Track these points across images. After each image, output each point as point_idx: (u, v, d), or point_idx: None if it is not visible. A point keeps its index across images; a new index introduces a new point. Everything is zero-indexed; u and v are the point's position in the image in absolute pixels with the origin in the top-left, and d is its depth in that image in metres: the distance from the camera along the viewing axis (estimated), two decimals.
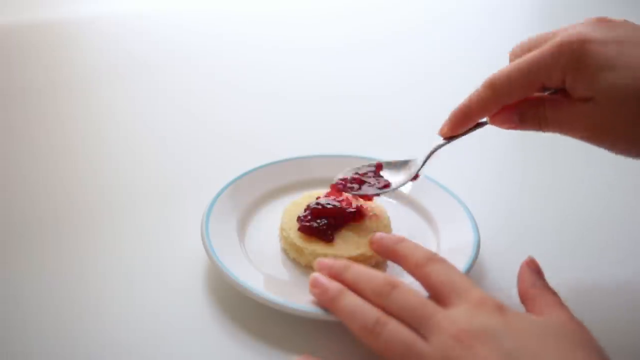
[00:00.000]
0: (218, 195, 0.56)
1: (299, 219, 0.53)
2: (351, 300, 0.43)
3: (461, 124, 0.50)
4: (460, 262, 0.50)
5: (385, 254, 0.49)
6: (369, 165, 0.56)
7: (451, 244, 0.53)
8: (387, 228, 0.54)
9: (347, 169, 0.55)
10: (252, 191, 0.59)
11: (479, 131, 0.53)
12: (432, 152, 0.53)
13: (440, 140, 0.52)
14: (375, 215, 0.55)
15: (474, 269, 0.50)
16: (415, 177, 0.53)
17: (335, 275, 0.45)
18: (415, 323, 0.40)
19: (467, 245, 0.52)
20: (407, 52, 1.01)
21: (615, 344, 0.41)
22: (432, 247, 0.54)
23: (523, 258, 0.50)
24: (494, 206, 0.63)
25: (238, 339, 0.46)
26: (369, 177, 0.54)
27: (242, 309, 0.48)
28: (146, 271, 0.53)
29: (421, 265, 0.44)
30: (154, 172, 0.67)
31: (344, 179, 0.54)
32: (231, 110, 0.81)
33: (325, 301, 0.44)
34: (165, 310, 0.49)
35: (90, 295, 0.50)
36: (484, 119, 0.50)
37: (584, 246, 0.58)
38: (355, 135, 0.75)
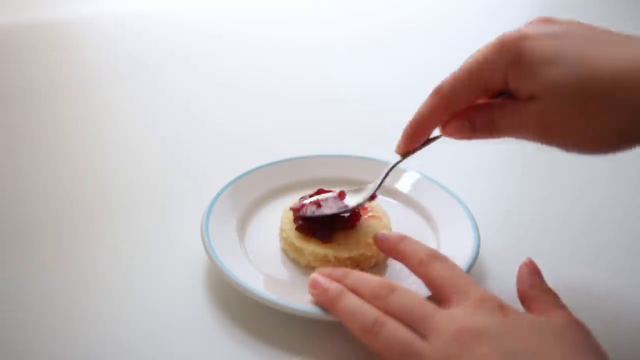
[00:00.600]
0: (218, 195, 0.56)
1: (295, 217, 0.53)
2: (350, 300, 0.43)
3: (414, 137, 0.49)
4: (461, 262, 0.49)
5: (388, 252, 0.49)
6: (332, 193, 0.55)
7: (451, 244, 0.53)
8: (386, 228, 0.54)
9: (308, 199, 0.55)
10: (252, 191, 0.59)
11: None
12: (388, 172, 0.53)
13: (397, 158, 0.51)
14: (375, 215, 0.55)
15: (474, 269, 0.50)
16: (372, 197, 0.53)
17: (335, 281, 0.45)
18: (414, 323, 0.40)
19: (467, 245, 0.52)
20: (407, 52, 1.01)
21: (615, 343, 0.41)
22: (432, 247, 0.54)
23: (523, 258, 0.50)
24: (493, 206, 0.63)
25: (238, 339, 0.46)
26: (327, 202, 0.54)
27: (242, 309, 0.48)
28: (146, 271, 0.53)
29: (423, 263, 0.45)
30: (154, 172, 0.67)
31: (302, 205, 0.54)
32: (231, 110, 0.81)
33: (324, 302, 0.44)
34: (165, 310, 0.49)
35: (90, 295, 0.50)
36: (437, 133, 0.50)
37: (584, 246, 0.58)
38: (355, 135, 0.75)
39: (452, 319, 0.39)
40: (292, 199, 0.57)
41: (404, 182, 0.61)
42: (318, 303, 0.45)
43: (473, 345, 0.37)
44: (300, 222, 0.53)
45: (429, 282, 0.44)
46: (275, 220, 0.55)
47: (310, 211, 0.53)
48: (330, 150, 0.65)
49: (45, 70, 0.89)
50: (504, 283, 0.51)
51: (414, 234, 0.55)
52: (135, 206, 0.61)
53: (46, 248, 0.55)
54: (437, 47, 1.04)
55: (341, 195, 0.55)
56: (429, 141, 0.50)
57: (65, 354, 0.45)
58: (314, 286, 0.45)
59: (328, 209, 0.53)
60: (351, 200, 0.54)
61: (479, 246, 0.52)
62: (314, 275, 0.46)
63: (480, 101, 0.47)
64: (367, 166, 0.63)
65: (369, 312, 0.41)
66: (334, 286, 0.44)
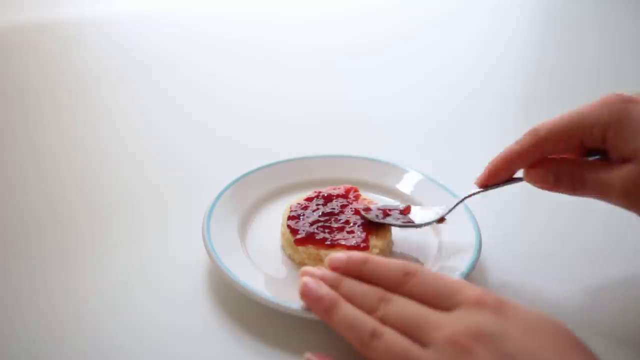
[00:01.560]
0: (219, 195, 0.56)
1: (293, 230, 0.53)
2: (346, 311, 0.41)
3: (499, 172, 0.49)
4: (462, 264, 0.50)
5: (355, 278, 0.45)
6: (398, 207, 0.55)
7: (452, 246, 0.53)
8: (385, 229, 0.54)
9: (376, 205, 0.55)
10: (253, 192, 0.59)
11: (480, 131, 0.53)
12: (463, 200, 0.53)
13: (475, 189, 0.52)
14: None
15: (475, 270, 0.50)
16: (442, 219, 0.53)
17: (330, 286, 0.43)
18: (412, 332, 0.39)
19: (468, 247, 0.52)
20: (407, 53, 1.01)
21: (619, 345, 0.41)
22: (433, 248, 0.54)
23: (524, 258, 0.49)
24: (495, 207, 0.63)
25: (239, 339, 0.46)
26: (394, 211, 0.54)
27: (243, 309, 0.48)
28: (147, 271, 0.53)
29: (400, 286, 0.42)
30: (155, 172, 0.67)
31: (369, 209, 0.54)
32: (232, 111, 0.81)
33: (318, 312, 0.43)
34: (166, 310, 0.49)
35: (91, 295, 0.50)
36: (520, 175, 0.50)
37: (586, 247, 0.58)
38: (356, 135, 0.75)
39: (450, 323, 0.39)
40: (293, 200, 0.57)
41: (406, 183, 0.61)
42: (312, 311, 0.44)
43: (473, 349, 0.37)
44: (300, 234, 0.52)
45: (415, 300, 0.42)
46: (276, 221, 0.55)
47: (376, 216, 0.53)
48: (331, 150, 0.65)
49: (45, 70, 0.89)
50: (505, 283, 0.52)
51: (415, 235, 0.55)
52: (136, 206, 0.61)
53: (46, 249, 0.55)
54: (437, 47, 1.04)
55: (406, 211, 0.54)
56: (510, 181, 0.50)
57: (65, 354, 0.45)
58: (307, 294, 0.43)
59: (394, 220, 0.53)
60: (417, 217, 0.54)
61: (480, 247, 0.52)
62: (306, 280, 0.44)
63: (567, 156, 0.47)
64: (367, 166, 0.63)
65: (366, 323, 0.40)
66: (328, 295, 0.43)
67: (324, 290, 0.43)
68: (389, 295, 0.42)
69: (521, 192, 0.66)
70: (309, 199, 0.55)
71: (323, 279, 0.44)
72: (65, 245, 0.56)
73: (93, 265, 0.54)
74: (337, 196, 0.56)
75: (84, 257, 0.54)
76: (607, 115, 0.43)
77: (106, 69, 0.90)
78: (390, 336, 0.39)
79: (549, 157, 0.48)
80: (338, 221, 0.53)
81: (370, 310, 0.41)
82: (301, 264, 0.52)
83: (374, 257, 0.45)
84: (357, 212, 0.54)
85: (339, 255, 0.45)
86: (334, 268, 0.45)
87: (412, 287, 0.42)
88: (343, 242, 0.51)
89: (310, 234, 0.52)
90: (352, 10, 1.19)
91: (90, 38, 1.02)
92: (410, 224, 0.53)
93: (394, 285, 0.43)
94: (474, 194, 0.52)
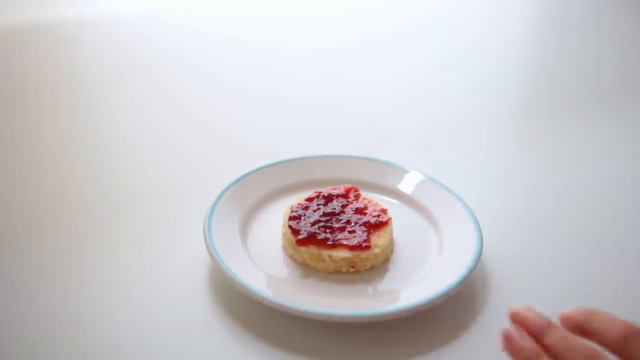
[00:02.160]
0: (220, 196, 0.56)
1: (294, 231, 0.53)
2: None
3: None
4: (463, 264, 0.50)
5: (575, 332, 0.41)
6: None
7: (454, 245, 0.53)
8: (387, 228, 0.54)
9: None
10: (254, 192, 0.59)
11: (480, 131, 0.53)
12: None
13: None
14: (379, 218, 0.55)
15: (476, 271, 0.50)
16: None
17: (534, 336, 0.40)
18: None
19: (469, 246, 0.52)
20: (407, 53, 1.01)
21: None
22: (434, 247, 0.54)
23: (525, 258, 0.49)
24: (496, 207, 0.63)
25: (240, 339, 0.46)
26: None
27: (244, 309, 0.48)
28: (147, 271, 0.53)
29: (620, 345, 0.38)
30: (155, 172, 0.67)
31: None
32: (232, 111, 0.81)
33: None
34: (166, 310, 0.49)
35: (91, 295, 0.50)
36: None
37: (586, 247, 0.58)
38: (356, 135, 0.75)
39: None
40: (294, 200, 0.57)
41: (406, 183, 0.61)
42: (511, 356, 0.40)
43: None
44: (302, 235, 0.52)
45: None
46: (277, 221, 0.55)
47: None
48: (331, 150, 0.65)
49: (45, 70, 0.88)
50: (505, 283, 0.52)
51: (416, 234, 0.55)
52: (136, 206, 0.61)
53: (46, 249, 0.55)
54: (437, 47, 1.04)
55: None
56: None
57: (65, 355, 0.45)
58: (508, 341, 0.40)
59: None
60: None
61: (481, 247, 0.52)
62: (509, 329, 0.40)
63: None
64: (367, 166, 0.63)
65: None
66: (529, 347, 0.40)
67: (526, 342, 0.40)
68: (599, 353, 0.38)
69: (522, 192, 0.67)
70: (310, 199, 0.56)
71: (532, 326, 0.41)
72: (65, 245, 0.56)
73: (93, 265, 0.53)
74: (337, 196, 0.56)
75: (84, 257, 0.54)
76: None
77: (106, 69, 0.90)
78: None
79: None
80: (339, 221, 0.54)
81: None
82: (303, 264, 0.52)
83: (595, 312, 0.41)
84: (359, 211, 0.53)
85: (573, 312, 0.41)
86: (565, 322, 0.41)
87: (634, 351, 0.38)
88: (345, 242, 0.51)
89: (311, 234, 0.52)
90: (352, 10, 1.19)
91: (90, 38, 1.02)
92: None
93: (613, 342, 0.39)
94: None
